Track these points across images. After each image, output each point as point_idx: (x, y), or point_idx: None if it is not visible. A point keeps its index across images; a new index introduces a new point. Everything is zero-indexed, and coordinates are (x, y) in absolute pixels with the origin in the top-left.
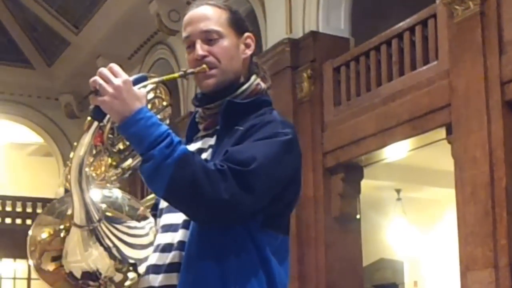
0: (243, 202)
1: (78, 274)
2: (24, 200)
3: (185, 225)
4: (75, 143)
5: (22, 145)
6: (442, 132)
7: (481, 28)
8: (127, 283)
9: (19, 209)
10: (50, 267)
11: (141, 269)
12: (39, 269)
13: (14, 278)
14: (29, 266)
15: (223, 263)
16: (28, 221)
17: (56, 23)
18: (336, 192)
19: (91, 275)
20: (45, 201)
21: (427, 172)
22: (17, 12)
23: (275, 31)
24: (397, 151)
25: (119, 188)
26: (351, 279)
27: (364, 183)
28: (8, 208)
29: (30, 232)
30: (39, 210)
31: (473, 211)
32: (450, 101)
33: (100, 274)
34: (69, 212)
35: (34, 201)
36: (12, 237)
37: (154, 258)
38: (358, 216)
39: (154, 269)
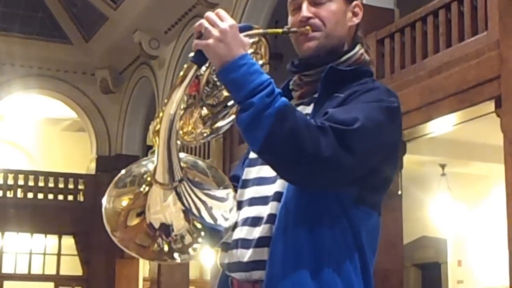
0: (344, 162)
1: (156, 225)
2: (56, 175)
3: (277, 197)
4: (165, 100)
5: (57, 120)
6: (490, 105)
7: None
8: (194, 248)
9: (51, 185)
10: (135, 221)
11: (220, 238)
12: (122, 227)
13: (44, 254)
14: (59, 241)
15: (316, 240)
16: (60, 197)
17: None
18: None
19: (167, 229)
20: (77, 177)
21: (474, 146)
22: None
23: None
24: (442, 125)
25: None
26: (390, 258)
27: (406, 158)
28: (41, 184)
29: (108, 206)
30: (71, 186)
31: None
32: (499, 72)
33: (173, 230)
34: (150, 170)
35: (66, 176)
36: (44, 213)
37: (242, 232)
38: (399, 192)
39: (244, 243)
